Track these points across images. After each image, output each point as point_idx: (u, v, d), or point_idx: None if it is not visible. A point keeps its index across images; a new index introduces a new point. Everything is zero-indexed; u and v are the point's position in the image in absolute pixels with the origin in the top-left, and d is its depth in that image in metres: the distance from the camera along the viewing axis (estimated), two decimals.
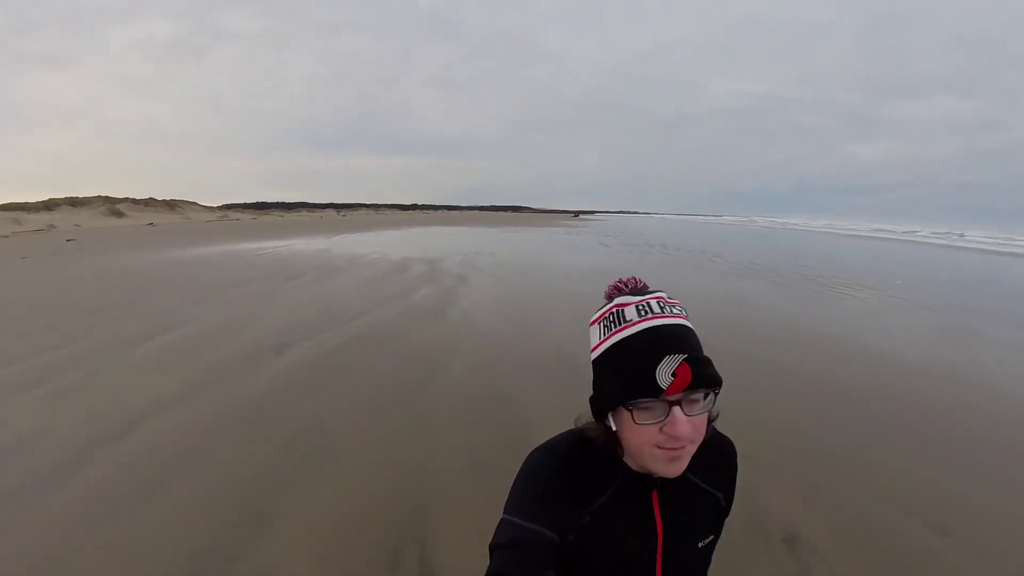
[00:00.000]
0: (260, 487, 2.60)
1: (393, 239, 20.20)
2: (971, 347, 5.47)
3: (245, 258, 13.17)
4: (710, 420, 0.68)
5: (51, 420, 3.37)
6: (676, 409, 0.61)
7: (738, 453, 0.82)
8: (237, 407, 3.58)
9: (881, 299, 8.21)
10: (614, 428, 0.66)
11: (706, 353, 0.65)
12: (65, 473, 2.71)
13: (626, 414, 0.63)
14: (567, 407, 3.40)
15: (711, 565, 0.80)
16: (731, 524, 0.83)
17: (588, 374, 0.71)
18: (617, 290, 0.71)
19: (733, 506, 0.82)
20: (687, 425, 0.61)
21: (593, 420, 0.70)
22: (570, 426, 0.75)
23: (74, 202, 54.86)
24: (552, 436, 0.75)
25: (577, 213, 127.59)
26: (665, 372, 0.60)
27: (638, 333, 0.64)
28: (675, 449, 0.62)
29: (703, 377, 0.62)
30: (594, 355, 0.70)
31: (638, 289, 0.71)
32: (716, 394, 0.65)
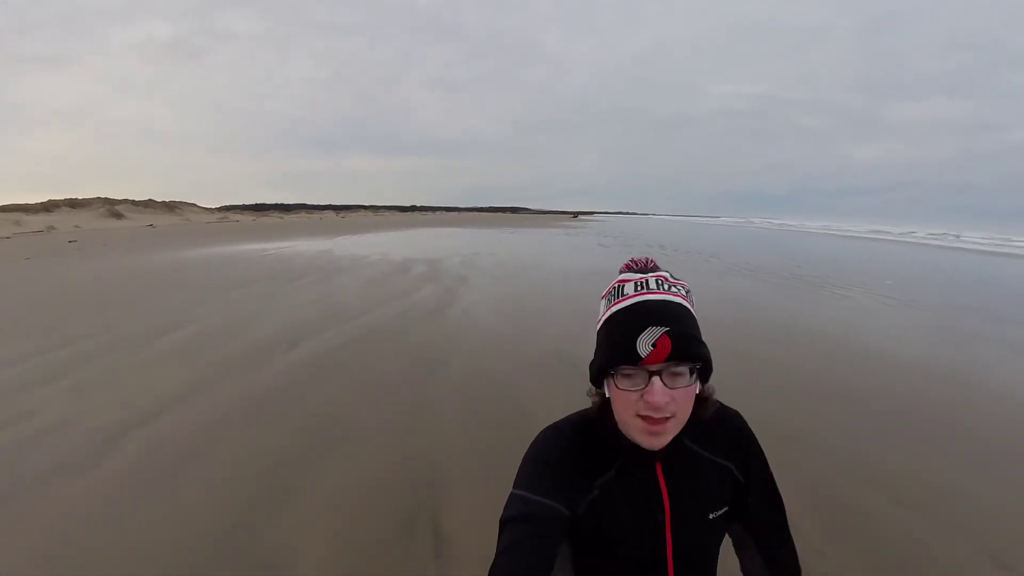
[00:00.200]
0: (280, 466, 2.81)
1: (393, 240, 20.42)
2: (956, 342, 5.68)
3: (249, 259, 13.37)
4: (704, 398, 0.72)
5: (77, 409, 3.57)
6: (655, 379, 0.64)
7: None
8: (254, 396, 3.80)
9: (872, 298, 8.42)
10: (607, 395, 0.70)
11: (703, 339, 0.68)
12: (96, 456, 2.91)
13: (612, 380, 0.68)
14: (565, 399, 3.61)
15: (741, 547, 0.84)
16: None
17: (587, 371, 0.76)
18: (628, 268, 0.75)
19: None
20: (664, 395, 0.64)
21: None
22: (568, 413, 0.79)
23: (73, 204, 54.96)
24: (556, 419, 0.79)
25: (576, 214, 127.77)
26: (645, 342, 0.64)
27: (629, 306, 0.68)
28: (656, 423, 0.65)
29: (684, 350, 0.64)
30: (597, 326, 0.74)
31: (645, 267, 0.74)
32: (701, 370, 0.68)
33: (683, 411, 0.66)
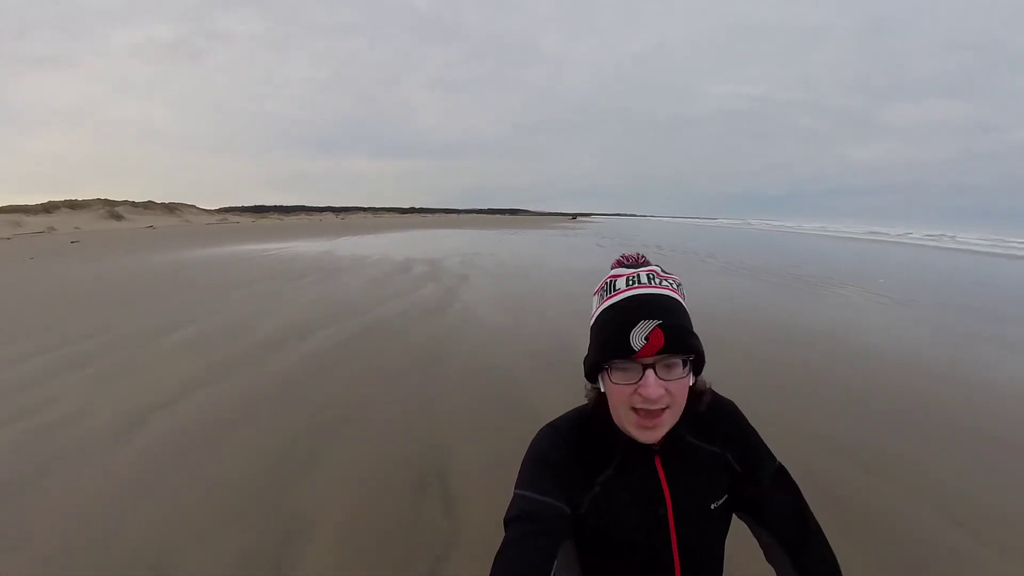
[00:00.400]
0: (301, 440, 3.03)
1: (394, 241, 20.59)
2: (942, 337, 5.87)
3: (251, 259, 13.54)
4: (700, 391, 0.73)
5: (101, 395, 3.75)
6: (649, 371, 0.64)
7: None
8: (269, 382, 4.00)
9: (864, 296, 8.62)
10: (603, 390, 0.71)
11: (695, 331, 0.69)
12: (123, 436, 3.09)
13: (606, 374, 0.69)
14: (563, 389, 3.79)
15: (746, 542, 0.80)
16: (732, 519, 0.82)
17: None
18: (619, 263, 0.76)
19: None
20: (658, 387, 0.64)
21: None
22: (566, 405, 0.80)
23: (73, 205, 55.06)
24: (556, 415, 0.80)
25: (575, 215, 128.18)
26: (638, 335, 0.64)
27: (622, 300, 0.69)
28: (649, 417, 0.66)
29: (677, 343, 0.65)
30: (591, 322, 0.74)
31: (636, 263, 0.75)
32: (694, 362, 0.68)
33: (677, 403, 0.67)
